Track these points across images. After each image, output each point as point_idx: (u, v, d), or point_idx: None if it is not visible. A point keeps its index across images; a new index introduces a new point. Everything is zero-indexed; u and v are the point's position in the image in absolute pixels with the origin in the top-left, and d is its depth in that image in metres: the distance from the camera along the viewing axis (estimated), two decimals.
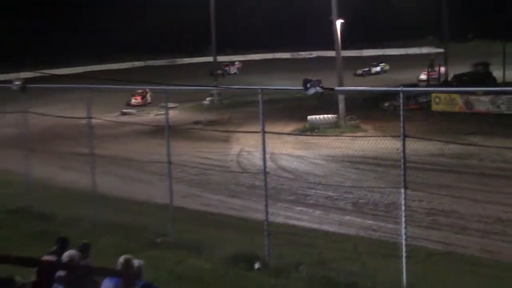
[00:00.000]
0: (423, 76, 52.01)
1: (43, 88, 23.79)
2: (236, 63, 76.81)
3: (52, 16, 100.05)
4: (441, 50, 57.14)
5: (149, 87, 47.75)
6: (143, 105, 50.33)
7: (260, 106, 13.10)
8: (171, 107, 17.83)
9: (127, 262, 9.01)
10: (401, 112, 11.82)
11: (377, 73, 69.24)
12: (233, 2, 79.02)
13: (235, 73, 72.59)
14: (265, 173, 13.59)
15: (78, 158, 20.97)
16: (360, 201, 20.26)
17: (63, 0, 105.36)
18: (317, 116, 37.10)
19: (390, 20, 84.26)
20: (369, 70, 67.39)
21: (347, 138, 30.55)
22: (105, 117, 27.69)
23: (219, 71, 59.19)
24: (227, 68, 72.25)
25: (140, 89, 47.63)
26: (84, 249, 10.59)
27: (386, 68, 71.15)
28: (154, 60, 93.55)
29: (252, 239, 13.92)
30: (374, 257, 13.57)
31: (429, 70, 50.92)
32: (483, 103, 39.73)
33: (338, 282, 12.15)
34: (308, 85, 13.00)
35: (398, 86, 16.66)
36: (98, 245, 12.58)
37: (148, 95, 50.86)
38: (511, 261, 14.12)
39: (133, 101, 51.79)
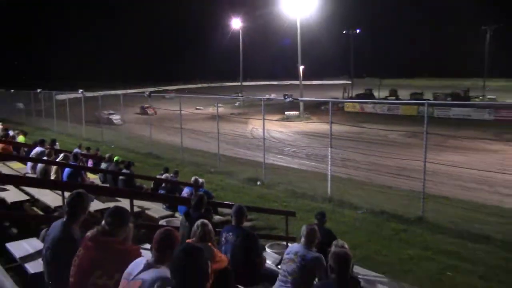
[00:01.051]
0: (341, 94, 64.42)
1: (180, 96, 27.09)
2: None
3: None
4: (349, 82, 73.68)
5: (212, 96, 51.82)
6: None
7: (263, 107, 15.33)
8: (220, 106, 20.24)
9: (196, 180, 10.67)
10: (329, 112, 13.89)
11: None
12: None
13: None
14: (264, 139, 15.45)
15: (174, 130, 23.12)
16: (309, 153, 22.06)
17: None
18: (290, 112, 45.67)
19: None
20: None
21: (303, 123, 34.94)
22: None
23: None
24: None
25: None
26: (176, 173, 12.35)
27: None
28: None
29: (256, 170, 15.49)
30: (315, 180, 15.32)
31: (344, 92, 65.12)
32: (370, 108, 50.15)
33: (297, 192, 14.10)
34: (286, 97, 14.72)
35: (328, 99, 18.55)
36: (183, 171, 14.19)
37: None
38: (380, 183, 15.71)
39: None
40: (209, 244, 4.31)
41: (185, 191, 10.36)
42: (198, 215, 5.34)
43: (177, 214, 9.09)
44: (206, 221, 4.53)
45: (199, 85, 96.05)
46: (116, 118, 38.50)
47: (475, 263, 8.50)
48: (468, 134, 28.52)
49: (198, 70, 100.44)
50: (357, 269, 7.37)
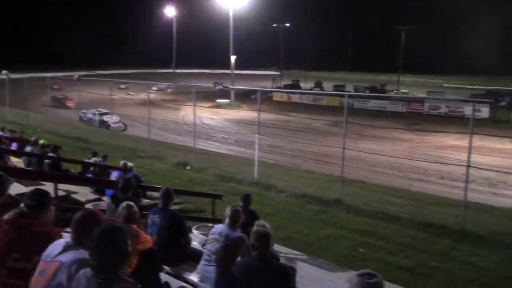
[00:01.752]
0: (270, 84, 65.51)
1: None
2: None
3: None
4: (278, 73, 74.49)
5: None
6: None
7: (193, 94, 15.13)
8: (151, 92, 19.60)
9: (125, 163, 10.37)
10: (258, 100, 13.89)
11: None
12: None
13: None
14: (195, 124, 15.15)
15: None
16: (238, 140, 22.05)
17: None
18: (221, 100, 44.53)
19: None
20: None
21: (234, 110, 34.91)
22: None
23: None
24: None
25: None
26: (104, 157, 12.12)
27: None
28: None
29: (187, 155, 15.21)
30: (243, 165, 15.45)
31: (273, 82, 66.25)
32: (296, 98, 50.50)
33: (225, 176, 14.30)
34: (216, 85, 14.62)
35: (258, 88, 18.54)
36: (112, 155, 13.78)
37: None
38: (303, 168, 16.37)
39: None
40: (134, 225, 4.22)
41: (114, 175, 10.03)
42: (125, 198, 5.19)
43: (105, 198, 8.78)
44: (131, 203, 4.43)
45: (133, 71, 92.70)
46: (114, 121, 27.43)
47: (385, 240, 9.03)
48: (384, 125, 30.11)
49: (133, 57, 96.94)
50: (279, 248, 7.59)
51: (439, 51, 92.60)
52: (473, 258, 8.25)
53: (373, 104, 44.18)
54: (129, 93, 44.58)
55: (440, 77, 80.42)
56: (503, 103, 41.49)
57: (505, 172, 15.11)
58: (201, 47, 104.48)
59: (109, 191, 8.63)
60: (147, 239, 4.28)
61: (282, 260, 6.58)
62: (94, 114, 27.93)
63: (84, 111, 28.17)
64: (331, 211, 10.80)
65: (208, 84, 53.67)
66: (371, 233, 9.40)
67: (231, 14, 45.37)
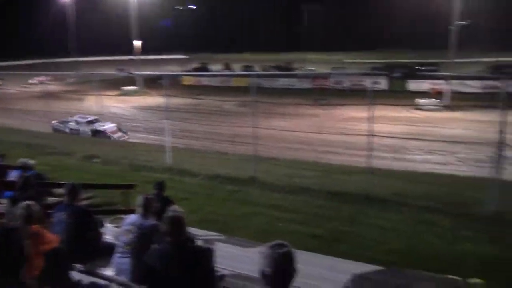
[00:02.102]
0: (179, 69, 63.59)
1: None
2: None
3: None
4: (186, 56, 75.54)
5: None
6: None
7: (96, 83, 14.40)
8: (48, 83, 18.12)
9: (24, 162, 9.58)
10: (165, 85, 13.60)
11: None
12: None
13: None
14: (100, 115, 14.34)
15: None
16: (148, 127, 21.48)
17: None
18: (127, 87, 43.34)
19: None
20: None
21: (142, 97, 33.65)
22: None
23: None
24: None
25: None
26: (1, 156, 10.96)
27: None
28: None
29: (95, 147, 14.46)
30: (155, 152, 15.22)
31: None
32: (206, 81, 50.51)
33: (137, 165, 13.90)
34: (120, 71, 13.83)
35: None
36: (12, 154, 12.74)
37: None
38: (216, 150, 16.45)
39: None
40: (35, 225, 3.98)
41: (12, 175, 9.32)
42: (25, 198, 4.86)
43: (3, 201, 8.13)
44: (31, 202, 4.16)
45: (31, 61, 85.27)
46: (112, 129, 21.15)
47: (297, 212, 9.43)
48: (292, 102, 31.08)
49: (24, 46, 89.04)
50: (196, 231, 7.61)
51: (340, 28, 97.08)
52: (379, 221, 8.89)
53: (281, 82, 45.38)
54: (24, 85, 40.94)
55: (343, 53, 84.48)
56: (397, 74, 44.75)
57: (404, 138, 16.45)
58: (103, 34, 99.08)
59: (8, 193, 8.20)
60: (52, 239, 4.04)
61: (199, 243, 6.63)
62: (80, 123, 21.74)
63: (61, 120, 22.44)
64: (246, 190, 10.99)
65: (112, 72, 51.31)
66: (284, 207, 9.74)
67: None
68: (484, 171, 9.91)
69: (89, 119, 22.07)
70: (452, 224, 8.47)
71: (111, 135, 20.95)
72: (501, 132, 8.94)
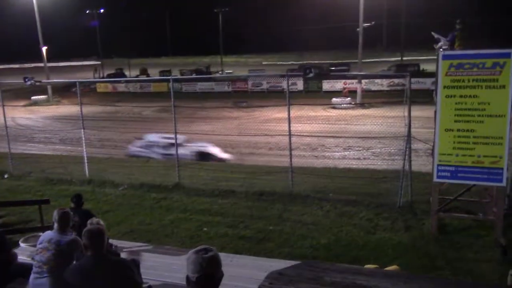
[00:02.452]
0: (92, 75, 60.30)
1: None
2: None
3: None
4: (99, 62, 69.36)
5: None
6: None
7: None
8: None
9: None
10: (78, 93, 12.89)
11: None
12: None
13: None
14: (7, 127, 13.54)
15: None
16: (63, 138, 20.35)
17: None
18: (37, 96, 41.62)
19: None
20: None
21: (54, 107, 31.76)
22: None
23: None
24: None
25: None
26: None
27: None
28: None
29: (3, 162, 13.67)
30: (72, 164, 14.10)
31: (95, 72, 61.23)
32: (122, 87, 48.32)
33: (53, 179, 13.10)
34: (27, 80, 13.12)
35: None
36: None
37: None
38: (138, 158, 15.72)
39: None
40: None
41: None
42: None
43: None
44: None
45: None
46: (215, 149, 16.77)
47: (224, 215, 9.45)
48: (213, 105, 31.05)
49: None
50: (122, 243, 7.36)
51: (255, 31, 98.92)
52: (303, 217, 9.20)
53: (200, 86, 45.14)
54: None
55: (259, 56, 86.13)
56: (311, 75, 46.42)
57: (322, 136, 17.11)
58: (10, 41, 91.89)
59: None
60: None
61: (125, 255, 6.41)
62: (166, 145, 15.54)
63: (144, 143, 17.18)
64: (172, 197, 10.80)
65: (18, 80, 47.57)
66: (211, 211, 9.72)
67: (35, 1, 40.83)
68: (396, 164, 10.61)
69: (180, 140, 14.18)
70: (370, 215, 8.98)
71: (221, 156, 16.48)
72: (408, 126, 9.64)
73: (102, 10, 69.27)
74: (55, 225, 4.47)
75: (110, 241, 6.30)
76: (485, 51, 8.06)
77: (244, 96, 37.73)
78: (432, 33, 9.70)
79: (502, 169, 7.76)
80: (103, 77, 59.32)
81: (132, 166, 14.49)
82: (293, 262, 6.72)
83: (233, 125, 23.48)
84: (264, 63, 77.70)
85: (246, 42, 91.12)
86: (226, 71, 61.85)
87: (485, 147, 7.89)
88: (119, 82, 48.97)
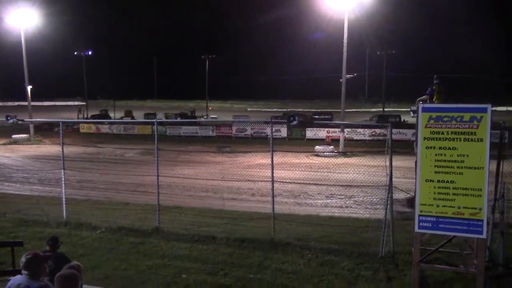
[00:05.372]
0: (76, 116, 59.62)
1: None
2: None
3: None
4: (84, 103, 69.73)
5: None
6: None
7: None
8: None
9: None
10: (60, 132, 12.77)
11: None
12: None
13: None
14: None
15: None
16: (42, 178, 20.14)
17: None
18: (18, 135, 40.34)
19: None
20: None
21: (35, 146, 31.36)
22: None
23: None
24: None
25: None
26: None
27: None
28: None
29: None
30: (49, 205, 13.98)
31: (79, 113, 59.64)
32: (106, 128, 48.07)
33: (28, 220, 12.81)
34: (9, 118, 12.94)
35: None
36: None
37: None
38: (118, 201, 15.54)
39: None
40: None
41: None
42: None
43: None
44: None
45: None
46: None
47: (204, 262, 9.22)
48: (196, 149, 31.02)
49: None
50: None
51: (241, 78, 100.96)
52: (284, 265, 9.05)
53: (185, 130, 45.28)
54: None
55: (244, 102, 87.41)
56: (294, 122, 47.08)
57: (305, 183, 17.14)
58: None
59: None
60: None
61: None
62: None
63: None
64: (150, 241, 10.55)
65: (2, 119, 47.25)
66: (191, 257, 9.49)
67: (23, 40, 41.09)
68: (378, 213, 10.64)
69: None
70: (352, 265, 8.87)
71: None
72: (389, 175, 9.75)
73: (90, 52, 69.99)
74: (25, 270, 4.27)
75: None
76: (463, 105, 8.33)
77: (228, 141, 37.88)
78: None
79: (482, 220, 7.84)
80: (87, 118, 59.12)
81: (111, 208, 14.17)
82: None
83: (216, 170, 23.38)
84: (249, 109, 78.80)
85: (232, 88, 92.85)
86: (211, 116, 62.33)
87: (465, 198, 7.99)
88: (102, 123, 48.84)
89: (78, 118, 57.37)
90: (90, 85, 72.52)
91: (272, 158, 11.06)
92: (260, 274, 8.63)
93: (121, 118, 58.92)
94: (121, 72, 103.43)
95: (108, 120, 51.53)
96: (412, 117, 9.41)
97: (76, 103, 75.98)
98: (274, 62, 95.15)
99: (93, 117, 59.35)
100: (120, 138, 42.00)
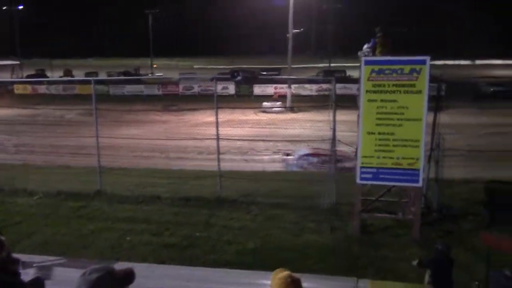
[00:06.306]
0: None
1: None
2: None
3: None
4: (17, 62, 62.14)
5: None
6: None
7: None
8: None
9: None
10: None
11: None
12: None
13: None
14: None
15: None
16: None
17: None
18: None
19: None
20: None
21: None
22: None
23: None
24: None
25: None
26: None
27: None
28: None
29: None
30: None
31: (12, 73, 53.94)
32: (43, 89, 45.19)
33: None
34: None
35: None
36: None
37: None
38: (58, 165, 14.88)
39: None
40: None
41: None
42: None
43: None
44: None
45: None
46: None
47: (149, 222, 9.08)
48: (141, 109, 30.10)
49: None
50: (32, 258, 6.76)
51: (187, 35, 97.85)
52: (230, 222, 9.09)
53: (129, 89, 43.74)
54: None
55: (191, 60, 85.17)
56: (239, 78, 46.56)
57: (251, 140, 17.13)
58: None
59: None
60: None
61: (34, 271, 5.88)
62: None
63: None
64: (93, 205, 10.21)
65: None
66: (135, 219, 9.31)
67: None
68: (323, 167, 10.83)
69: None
70: (297, 218, 9.06)
71: None
72: (333, 129, 9.89)
73: (21, 7, 64.82)
74: None
75: (17, 256, 5.76)
76: (404, 58, 8.49)
77: (175, 100, 36.98)
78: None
79: (418, 170, 8.18)
80: (22, 78, 55.43)
81: (49, 172, 13.56)
82: (217, 270, 6.59)
83: (163, 129, 22.90)
84: (195, 66, 77.03)
85: (178, 45, 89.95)
86: (156, 74, 60.34)
87: (403, 149, 8.28)
88: (39, 83, 46.08)
89: (11, 78, 53.82)
90: (24, 43, 67.60)
91: (216, 115, 10.86)
92: (206, 231, 8.61)
93: (60, 77, 55.77)
94: (58, 28, 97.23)
95: (42, 79, 48.67)
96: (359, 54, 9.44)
97: (8, 62, 70.97)
98: (221, 18, 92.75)
99: (28, 77, 55.59)
100: (59, 98, 39.86)
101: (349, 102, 22.13)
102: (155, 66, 66.74)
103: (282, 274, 2.31)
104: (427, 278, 5.68)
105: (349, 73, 45.78)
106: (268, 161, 16.15)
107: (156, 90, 43.62)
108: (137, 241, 8.25)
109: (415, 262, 5.81)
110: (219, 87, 37.66)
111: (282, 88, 37.58)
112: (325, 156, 12.24)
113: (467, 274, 6.21)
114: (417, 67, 8.25)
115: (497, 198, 8.76)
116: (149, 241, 8.22)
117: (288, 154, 15.94)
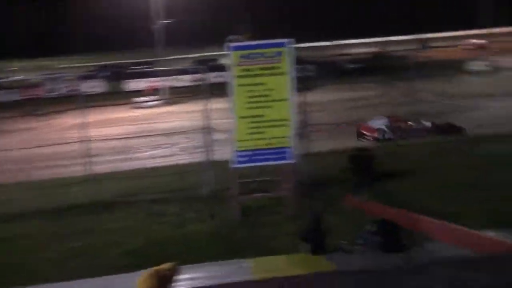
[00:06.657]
0: None
1: None
2: None
3: None
4: None
5: None
6: None
7: None
8: None
9: None
10: None
11: None
12: None
13: None
14: None
15: None
16: None
17: None
18: None
19: None
20: None
21: None
22: None
23: None
24: None
25: None
26: None
27: None
28: None
29: None
30: None
31: None
32: None
33: None
34: None
35: None
36: None
37: None
38: None
39: None
40: None
41: None
42: None
43: None
44: None
45: None
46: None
47: (15, 241, 8.30)
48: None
49: None
50: None
51: (47, 33, 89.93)
52: (109, 224, 8.71)
53: None
54: None
55: (54, 59, 78.66)
56: (106, 73, 44.28)
57: (124, 138, 16.46)
58: None
59: None
60: None
61: None
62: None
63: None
64: None
65: None
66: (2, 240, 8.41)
67: None
68: (201, 156, 10.86)
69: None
70: (178, 210, 9.02)
71: None
72: (206, 118, 9.97)
73: None
74: None
75: None
76: (267, 42, 8.90)
77: (38, 104, 33.96)
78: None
79: (289, 148, 8.65)
80: None
81: None
82: (101, 279, 6.28)
83: (28, 137, 20.91)
84: (60, 66, 71.46)
85: (34, 44, 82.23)
86: (15, 78, 54.67)
87: (274, 129, 8.66)
88: None
89: None
90: None
91: (84, 115, 10.28)
92: (86, 240, 8.07)
93: None
94: None
95: None
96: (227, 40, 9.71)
97: None
98: (85, 13, 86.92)
99: None
100: None
101: (224, 89, 22.50)
102: (16, 69, 60.63)
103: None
104: (301, 247, 6.07)
105: (223, 61, 46.41)
106: (147, 157, 15.68)
107: (16, 96, 39.61)
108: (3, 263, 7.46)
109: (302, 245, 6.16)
110: (88, 86, 35.49)
111: (157, 82, 36.75)
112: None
113: (337, 235, 6.74)
114: (280, 49, 8.67)
115: (360, 164, 9.68)
116: (20, 261, 7.47)
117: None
